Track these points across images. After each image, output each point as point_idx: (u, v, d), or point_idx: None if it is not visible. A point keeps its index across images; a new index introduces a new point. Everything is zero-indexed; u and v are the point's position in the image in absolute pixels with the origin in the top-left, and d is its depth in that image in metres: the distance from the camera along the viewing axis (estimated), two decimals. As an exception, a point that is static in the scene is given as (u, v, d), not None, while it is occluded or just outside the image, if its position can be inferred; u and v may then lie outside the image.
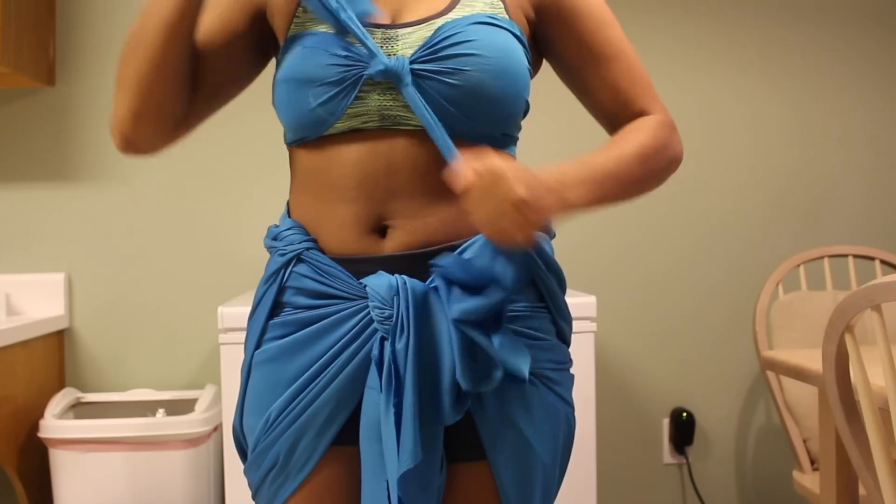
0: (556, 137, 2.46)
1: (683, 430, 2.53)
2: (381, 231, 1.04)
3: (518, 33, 1.06)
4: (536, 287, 1.09)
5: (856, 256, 2.33)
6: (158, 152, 1.12)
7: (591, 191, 1.02)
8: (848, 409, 1.27)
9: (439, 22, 1.03)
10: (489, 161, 0.92)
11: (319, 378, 1.03)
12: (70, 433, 2.04)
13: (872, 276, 2.54)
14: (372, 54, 1.00)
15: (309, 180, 1.08)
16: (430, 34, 1.02)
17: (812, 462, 2.07)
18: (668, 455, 2.56)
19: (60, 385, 2.36)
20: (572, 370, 1.13)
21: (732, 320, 2.57)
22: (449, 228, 1.04)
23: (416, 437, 0.95)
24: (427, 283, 1.02)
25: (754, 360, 2.58)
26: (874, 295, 1.12)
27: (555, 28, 1.11)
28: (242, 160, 2.42)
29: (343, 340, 1.03)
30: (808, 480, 2.00)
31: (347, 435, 1.04)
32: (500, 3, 1.07)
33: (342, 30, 1.02)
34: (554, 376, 1.07)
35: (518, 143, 1.14)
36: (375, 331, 1.02)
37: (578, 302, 1.90)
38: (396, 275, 1.02)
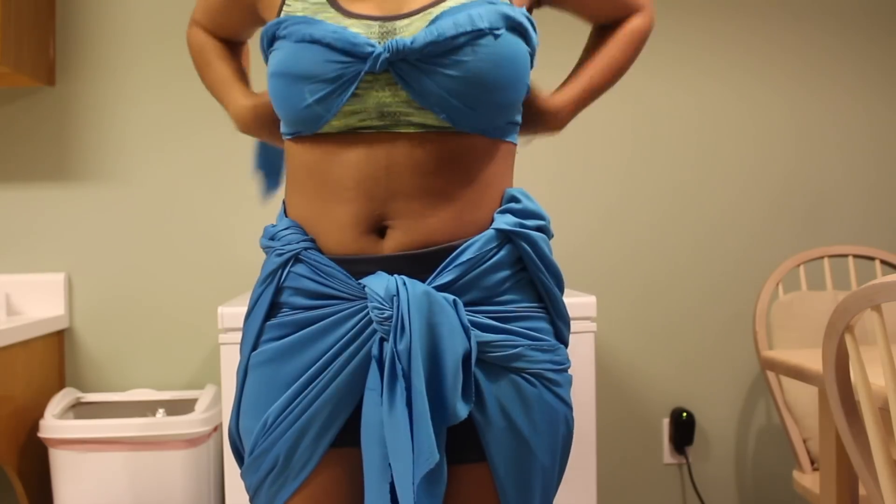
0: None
1: (683, 430, 2.53)
2: (380, 231, 1.04)
3: (518, 14, 1.05)
4: (535, 288, 1.09)
5: (856, 256, 2.33)
6: None
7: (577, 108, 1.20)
8: (848, 409, 1.27)
9: (436, 11, 1.02)
10: None
11: (318, 379, 1.03)
12: (70, 433, 2.04)
13: (872, 276, 2.53)
14: (371, 45, 0.99)
15: (306, 178, 1.07)
16: (426, 24, 1.01)
17: (812, 462, 2.07)
18: (668, 455, 2.56)
19: (60, 385, 2.36)
20: (571, 371, 1.13)
21: (732, 320, 2.57)
22: (449, 229, 1.03)
23: (432, 438, 0.95)
24: (426, 282, 1.01)
25: (754, 360, 2.58)
26: (874, 295, 1.12)
27: None
28: (243, 160, 2.42)
29: (342, 341, 1.02)
30: (808, 480, 2.00)
31: (346, 437, 1.03)
32: None
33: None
34: (553, 377, 1.07)
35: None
36: (374, 332, 1.01)
37: (578, 302, 1.90)
38: (396, 275, 1.01)
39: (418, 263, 1.02)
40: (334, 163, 1.03)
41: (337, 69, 1.00)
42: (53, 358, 2.32)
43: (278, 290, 1.08)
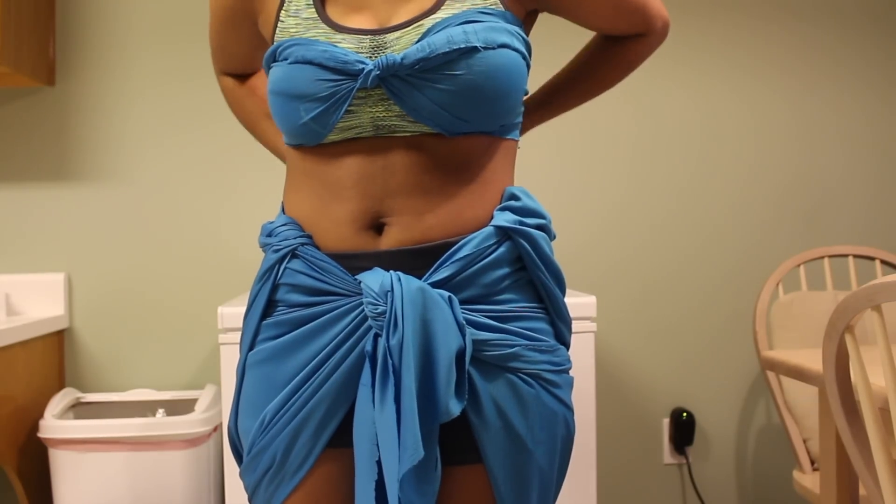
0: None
1: (683, 430, 2.53)
2: (377, 228, 1.04)
3: (511, 23, 1.04)
4: (535, 288, 1.08)
5: (856, 256, 2.33)
6: None
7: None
8: (848, 409, 1.27)
9: (427, 23, 1.01)
10: None
11: (314, 377, 1.03)
12: (70, 433, 2.04)
13: (873, 276, 2.53)
14: (362, 62, 0.99)
15: (305, 179, 1.07)
16: (417, 38, 1.01)
17: (812, 462, 2.07)
18: (668, 455, 2.56)
19: (60, 385, 2.36)
20: (572, 372, 1.12)
21: (732, 320, 2.57)
22: (447, 226, 1.03)
23: (418, 434, 0.94)
24: (423, 279, 1.01)
25: (754, 360, 2.58)
26: (874, 295, 1.12)
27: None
28: (243, 160, 2.42)
29: (338, 339, 1.02)
30: (808, 480, 2.00)
31: (344, 437, 1.03)
32: None
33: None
34: (551, 378, 1.06)
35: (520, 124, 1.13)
36: (370, 328, 1.01)
37: (578, 302, 1.90)
38: (391, 271, 1.01)
39: (415, 259, 1.02)
40: (333, 166, 1.04)
41: (330, 87, 1.00)
42: (53, 358, 2.32)
43: (275, 287, 1.08)
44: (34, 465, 2.14)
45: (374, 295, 0.99)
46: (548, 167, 2.49)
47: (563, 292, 1.11)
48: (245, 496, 1.13)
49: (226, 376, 1.82)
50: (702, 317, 2.57)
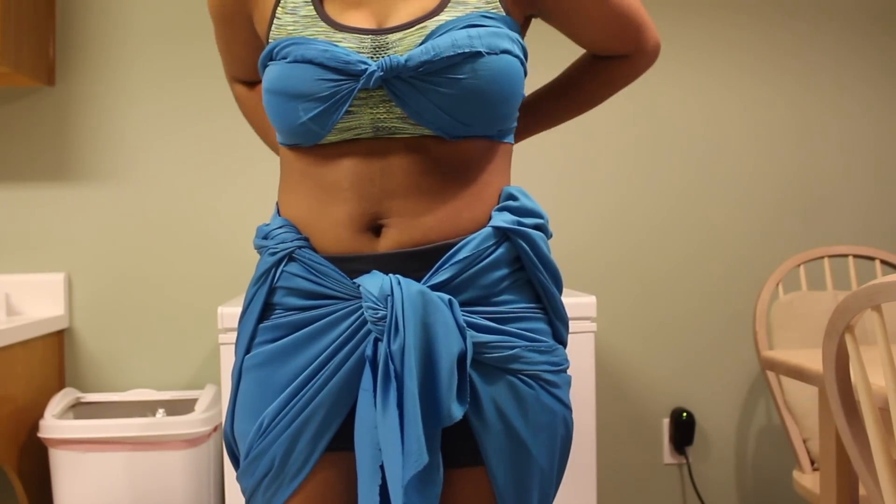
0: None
1: (683, 430, 2.53)
2: (375, 230, 1.03)
3: (512, 29, 1.04)
4: (533, 288, 1.08)
5: (856, 256, 2.33)
6: None
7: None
8: (848, 409, 1.27)
9: (431, 25, 1.01)
10: None
11: (313, 382, 1.02)
12: (70, 433, 2.04)
13: (873, 276, 2.53)
14: (364, 63, 0.98)
15: (301, 180, 1.06)
16: (420, 40, 1.00)
17: (812, 462, 2.07)
18: (668, 455, 2.56)
19: (60, 385, 2.36)
20: (570, 371, 1.12)
21: (732, 320, 2.57)
22: (445, 227, 1.02)
23: (422, 440, 0.94)
24: (422, 281, 1.00)
25: (754, 360, 2.58)
26: (874, 295, 1.12)
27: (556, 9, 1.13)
28: (243, 160, 2.42)
29: (337, 342, 1.02)
30: (808, 480, 2.00)
31: (342, 440, 1.02)
32: None
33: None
34: (550, 378, 1.06)
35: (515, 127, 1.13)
36: (369, 332, 1.00)
37: (578, 302, 1.90)
38: (391, 274, 1.00)
39: (414, 261, 1.01)
40: (329, 167, 1.03)
41: (330, 87, 0.99)
42: (53, 358, 2.32)
43: (272, 291, 1.07)
44: (34, 465, 2.14)
45: (373, 299, 0.98)
46: (548, 167, 2.49)
47: (561, 291, 1.11)
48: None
49: (226, 376, 1.82)
50: (702, 317, 2.57)
